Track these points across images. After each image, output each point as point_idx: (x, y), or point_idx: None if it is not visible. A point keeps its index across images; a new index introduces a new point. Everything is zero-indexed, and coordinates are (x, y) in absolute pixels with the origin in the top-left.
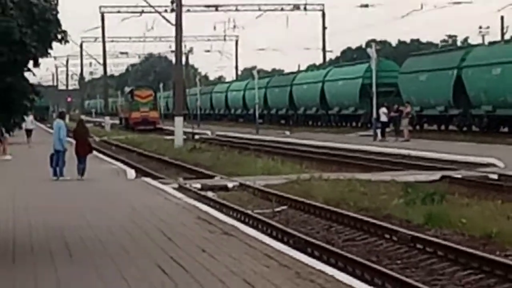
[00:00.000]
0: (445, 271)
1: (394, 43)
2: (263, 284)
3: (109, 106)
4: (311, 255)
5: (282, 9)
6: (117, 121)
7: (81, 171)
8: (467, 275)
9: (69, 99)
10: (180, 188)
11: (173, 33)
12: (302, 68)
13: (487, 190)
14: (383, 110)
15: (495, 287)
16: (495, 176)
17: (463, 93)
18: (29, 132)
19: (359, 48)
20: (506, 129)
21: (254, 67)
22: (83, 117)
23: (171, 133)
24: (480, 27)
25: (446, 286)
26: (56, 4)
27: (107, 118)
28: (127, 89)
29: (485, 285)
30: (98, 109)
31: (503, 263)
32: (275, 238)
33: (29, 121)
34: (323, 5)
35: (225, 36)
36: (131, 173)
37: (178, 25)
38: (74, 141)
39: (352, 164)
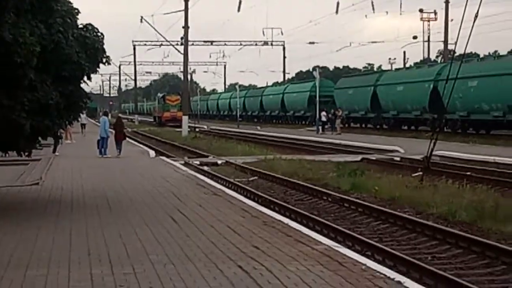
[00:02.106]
0: (363, 221)
1: (331, 68)
2: (240, 228)
3: (138, 108)
4: (273, 210)
5: (256, 44)
6: (149, 119)
7: (119, 151)
8: (378, 224)
9: (111, 103)
10: (185, 164)
11: (182, 59)
12: (269, 84)
13: (392, 167)
14: (323, 113)
15: (396, 233)
16: (398, 158)
17: (377, 102)
18: (83, 125)
19: (308, 71)
20: (406, 127)
21: (236, 83)
22: (120, 115)
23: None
24: (390, 58)
25: (363, 231)
26: (103, 38)
27: (136, 116)
28: (160, 95)
29: (389, 231)
30: (131, 110)
31: (402, 217)
32: (249, 198)
33: (83, 117)
34: (284, 42)
35: (217, 62)
36: (152, 153)
37: (185, 54)
38: (113, 131)
39: (302, 149)
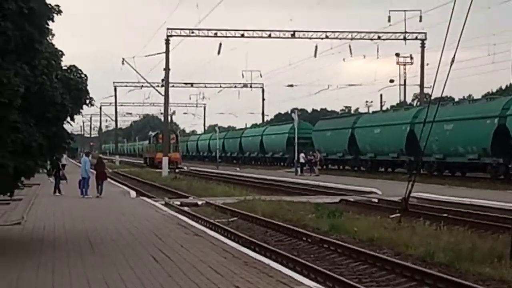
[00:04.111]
0: (343, 262)
1: (309, 110)
2: (222, 269)
3: (118, 148)
4: (254, 250)
5: (235, 86)
6: (131, 160)
7: (100, 191)
8: (357, 265)
9: (91, 143)
10: (166, 204)
11: (163, 101)
12: (248, 126)
13: (370, 209)
14: (302, 155)
15: (376, 274)
16: (375, 200)
17: (355, 144)
18: (63, 165)
19: (286, 113)
20: (383, 169)
21: (216, 125)
22: (101, 155)
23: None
24: (367, 101)
25: (343, 272)
26: (86, 79)
27: (117, 156)
28: (152, 133)
29: (369, 272)
30: (111, 150)
31: (381, 257)
32: (230, 238)
33: (64, 158)
34: (263, 84)
35: (197, 103)
36: (133, 193)
37: (166, 95)
38: (95, 171)
39: (280, 190)
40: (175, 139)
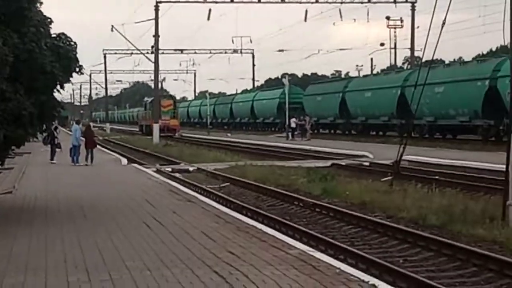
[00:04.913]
0: (335, 226)
1: (300, 75)
2: (214, 234)
3: (109, 116)
4: (246, 215)
5: (225, 52)
6: (122, 127)
7: (91, 159)
8: (350, 228)
9: (82, 111)
10: (158, 171)
11: (153, 68)
12: (239, 91)
13: (362, 172)
14: (293, 119)
15: (368, 237)
16: (367, 163)
17: (346, 109)
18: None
19: (277, 78)
20: (374, 133)
21: (206, 91)
22: (91, 123)
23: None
24: (357, 65)
25: (336, 235)
26: (76, 47)
27: (107, 124)
28: (147, 99)
29: (361, 235)
30: (102, 118)
31: (373, 221)
32: (222, 204)
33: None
34: (253, 49)
35: (187, 70)
36: (124, 161)
37: (156, 62)
38: (84, 139)
39: (272, 155)
40: (173, 105)
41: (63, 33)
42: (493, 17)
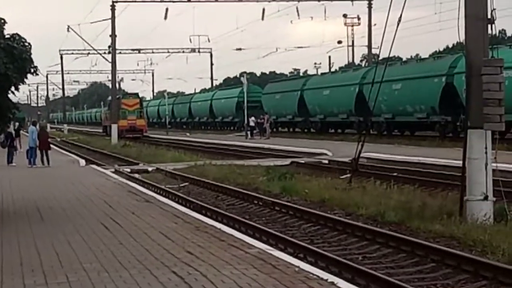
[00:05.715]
0: (294, 224)
1: (258, 74)
2: (173, 234)
3: (66, 117)
4: (205, 215)
5: (183, 51)
6: (80, 128)
7: (47, 161)
8: (309, 226)
9: (39, 113)
10: (116, 172)
11: (110, 68)
12: (197, 91)
13: (321, 170)
14: (252, 118)
15: (327, 234)
16: (326, 161)
17: (304, 106)
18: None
19: (235, 77)
20: (332, 130)
21: (165, 91)
22: (48, 124)
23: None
24: (315, 63)
25: (295, 234)
26: (30, 48)
27: (65, 125)
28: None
29: (320, 233)
30: (59, 119)
31: (332, 218)
32: (181, 204)
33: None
34: (211, 48)
35: (145, 70)
36: (82, 162)
37: (113, 62)
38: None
39: (231, 154)
40: (139, 104)
41: (17, 34)
42: (449, 14)
